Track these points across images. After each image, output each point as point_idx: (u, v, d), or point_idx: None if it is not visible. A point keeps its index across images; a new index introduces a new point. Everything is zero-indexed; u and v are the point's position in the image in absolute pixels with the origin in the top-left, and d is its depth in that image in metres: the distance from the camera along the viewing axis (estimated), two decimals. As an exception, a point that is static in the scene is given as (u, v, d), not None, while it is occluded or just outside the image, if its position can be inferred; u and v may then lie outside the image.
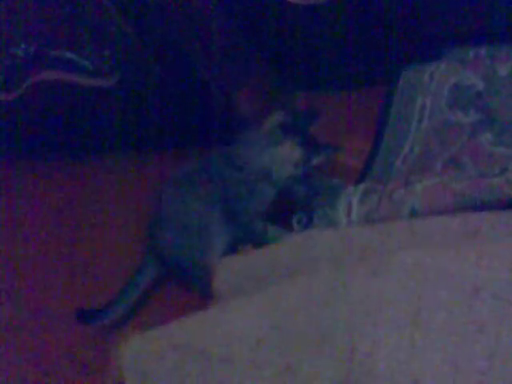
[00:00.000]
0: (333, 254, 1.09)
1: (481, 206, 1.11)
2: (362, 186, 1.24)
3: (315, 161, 1.25)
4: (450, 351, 0.88)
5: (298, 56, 1.45)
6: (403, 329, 0.90)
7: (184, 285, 1.25)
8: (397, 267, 0.96)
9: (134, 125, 1.45)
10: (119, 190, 1.44)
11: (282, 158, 1.24)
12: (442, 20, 1.41)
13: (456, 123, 1.34)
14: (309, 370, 0.91)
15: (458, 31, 1.42)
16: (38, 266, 1.37)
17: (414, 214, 1.15)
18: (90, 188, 1.48)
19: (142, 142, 1.46)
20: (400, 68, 1.45)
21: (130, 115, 1.45)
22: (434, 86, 1.40)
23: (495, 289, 0.91)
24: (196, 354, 0.98)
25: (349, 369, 0.89)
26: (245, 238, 1.25)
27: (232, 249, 1.24)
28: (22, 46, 1.38)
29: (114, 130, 1.47)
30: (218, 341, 0.98)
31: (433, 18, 1.41)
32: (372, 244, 1.09)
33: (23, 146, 1.54)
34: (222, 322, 1.00)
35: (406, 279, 0.94)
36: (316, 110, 1.29)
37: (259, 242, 1.22)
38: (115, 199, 1.43)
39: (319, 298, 0.96)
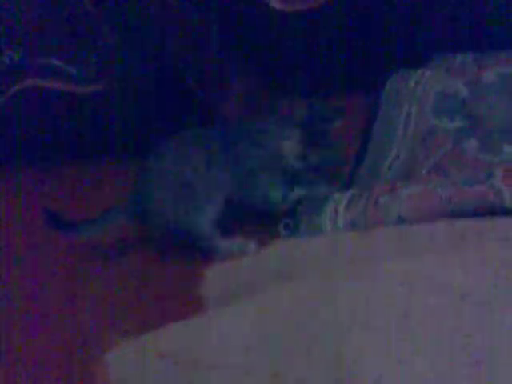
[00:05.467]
0: (320, 260, 1.09)
1: (466, 213, 1.11)
2: (348, 193, 1.25)
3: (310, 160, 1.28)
4: (436, 358, 0.88)
5: (285, 63, 1.46)
6: (391, 335, 0.90)
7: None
8: (384, 274, 0.96)
9: (120, 131, 1.45)
10: (106, 197, 1.43)
11: (287, 150, 1.27)
12: (429, 27, 1.42)
13: (441, 130, 1.35)
14: (297, 377, 0.91)
15: (444, 38, 1.43)
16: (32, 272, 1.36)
17: (400, 220, 1.15)
18: (77, 194, 1.47)
19: (129, 149, 1.46)
20: (386, 74, 1.46)
21: (116, 122, 1.45)
22: (419, 93, 1.41)
23: (481, 295, 0.92)
24: (183, 361, 0.97)
25: (336, 375, 0.88)
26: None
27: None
28: (8, 53, 1.38)
29: (100, 136, 1.47)
30: (205, 348, 0.97)
31: (420, 25, 1.41)
32: (359, 250, 1.09)
33: (8, 153, 1.53)
34: (209, 330, 1.00)
35: (393, 285, 0.94)
36: (337, 113, 1.30)
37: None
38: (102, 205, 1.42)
39: (306, 304, 0.96)
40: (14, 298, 1.31)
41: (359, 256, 1.07)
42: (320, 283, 0.99)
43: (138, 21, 1.32)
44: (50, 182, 1.52)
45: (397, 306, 0.92)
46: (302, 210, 1.25)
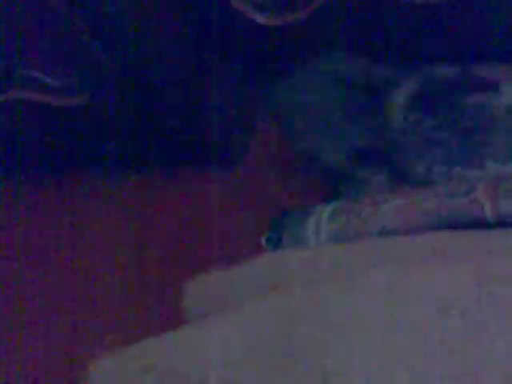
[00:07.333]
0: (304, 273, 1.09)
1: (449, 226, 1.12)
2: (331, 205, 1.25)
3: None
4: (419, 371, 0.88)
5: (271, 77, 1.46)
6: (374, 348, 0.90)
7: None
8: (368, 285, 0.96)
9: (107, 143, 1.45)
10: (92, 211, 1.43)
11: None
12: (417, 39, 1.43)
13: (425, 143, 1.36)
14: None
15: (431, 52, 1.44)
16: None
17: (383, 232, 1.16)
18: (70, 203, 1.47)
19: (115, 163, 1.45)
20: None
21: (102, 134, 1.45)
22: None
23: (463, 307, 0.91)
24: (167, 375, 0.97)
25: (322, 388, 0.89)
26: None
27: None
28: (-11, 65, 1.38)
29: (89, 148, 1.47)
30: (189, 361, 0.97)
31: (410, 39, 1.42)
32: (342, 263, 1.09)
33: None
34: (193, 342, 0.99)
35: (377, 297, 0.95)
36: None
37: None
38: (89, 218, 1.42)
39: (291, 317, 0.96)
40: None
41: (343, 268, 1.07)
42: (304, 296, 0.99)
43: (124, 32, 1.32)
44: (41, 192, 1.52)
45: (380, 318, 0.92)
46: (285, 223, 1.25)
